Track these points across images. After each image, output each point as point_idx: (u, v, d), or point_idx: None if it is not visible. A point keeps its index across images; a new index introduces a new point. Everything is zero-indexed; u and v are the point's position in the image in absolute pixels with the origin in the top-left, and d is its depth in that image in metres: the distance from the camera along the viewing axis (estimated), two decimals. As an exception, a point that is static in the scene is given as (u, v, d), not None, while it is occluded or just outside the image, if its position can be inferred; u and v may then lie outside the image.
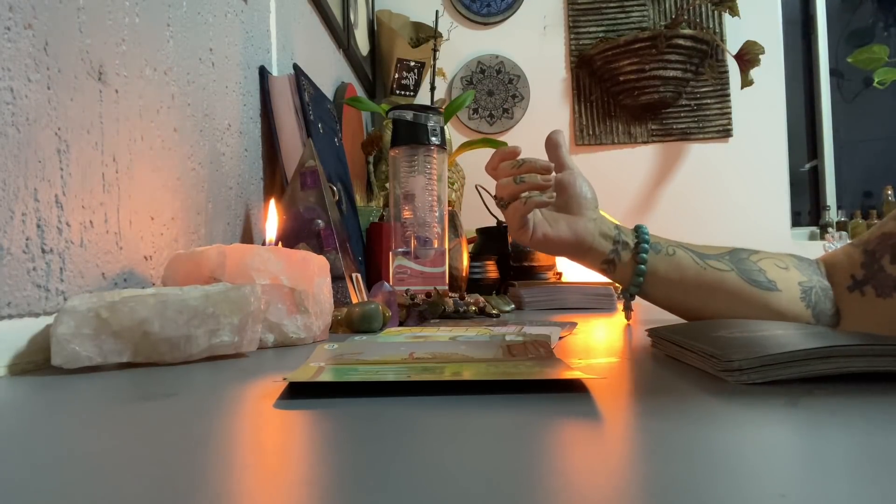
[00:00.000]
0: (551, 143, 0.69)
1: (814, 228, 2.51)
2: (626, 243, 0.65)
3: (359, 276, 0.93)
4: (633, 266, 0.65)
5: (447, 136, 1.52)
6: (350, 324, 0.67)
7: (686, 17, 2.25)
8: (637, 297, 0.68)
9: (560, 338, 0.61)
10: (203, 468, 0.23)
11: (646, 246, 0.64)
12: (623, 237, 0.66)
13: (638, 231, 0.66)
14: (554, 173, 0.66)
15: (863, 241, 0.63)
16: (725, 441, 0.25)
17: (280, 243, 0.77)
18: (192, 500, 0.19)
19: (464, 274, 1.29)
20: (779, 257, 0.65)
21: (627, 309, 0.74)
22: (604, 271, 0.67)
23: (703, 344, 0.41)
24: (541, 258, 1.43)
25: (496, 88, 2.34)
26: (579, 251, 0.66)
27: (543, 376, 0.36)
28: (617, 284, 0.70)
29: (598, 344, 0.59)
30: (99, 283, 0.56)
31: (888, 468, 0.21)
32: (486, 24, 2.36)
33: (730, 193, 2.28)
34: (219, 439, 0.26)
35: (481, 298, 0.97)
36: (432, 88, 1.75)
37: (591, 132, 2.31)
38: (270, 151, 1.03)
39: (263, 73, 1.01)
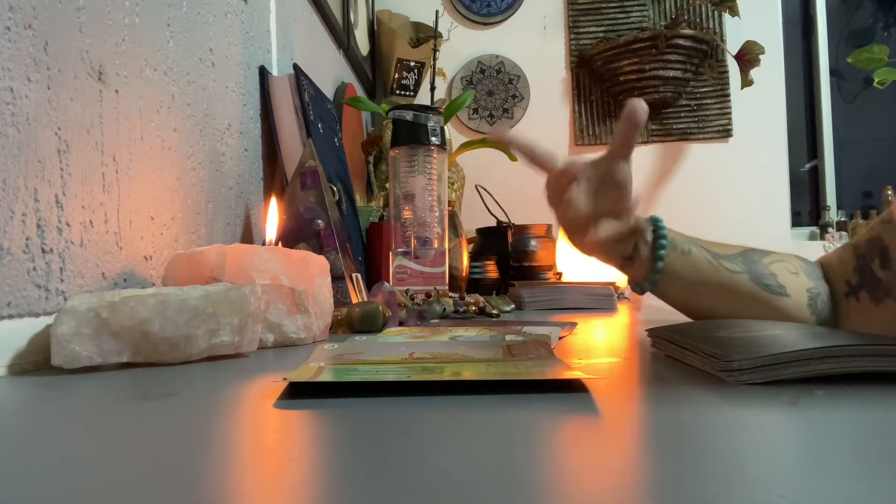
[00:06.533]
0: (632, 121, 0.61)
1: (814, 228, 2.51)
2: (645, 238, 0.62)
3: (359, 276, 0.93)
4: (650, 263, 0.62)
5: (447, 136, 1.52)
6: (350, 324, 0.67)
7: (686, 17, 2.25)
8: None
9: (560, 338, 0.61)
10: (203, 468, 0.23)
11: (663, 242, 0.62)
12: (642, 230, 0.62)
13: (655, 225, 0.63)
14: (613, 158, 0.61)
15: (854, 244, 0.63)
16: (725, 441, 0.25)
17: (280, 243, 0.77)
18: (193, 500, 0.19)
19: (464, 274, 1.29)
20: (789, 260, 0.65)
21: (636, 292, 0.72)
22: (623, 268, 0.64)
23: (704, 344, 0.41)
24: (540, 258, 1.43)
25: (496, 88, 2.34)
26: (611, 252, 0.63)
27: (543, 376, 0.36)
28: (626, 279, 0.67)
29: (598, 344, 0.59)
30: (99, 283, 0.56)
31: (888, 468, 0.21)
32: (486, 24, 2.36)
33: (730, 194, 2.27)
34: (219, 439, 0.26)
35: (481, 298, 0.97)
36: (432, 88, 1.75)
37: (591, 132, 2.31)
38: (270, 151, 1.03)
39: (263, 73, 1.01)
